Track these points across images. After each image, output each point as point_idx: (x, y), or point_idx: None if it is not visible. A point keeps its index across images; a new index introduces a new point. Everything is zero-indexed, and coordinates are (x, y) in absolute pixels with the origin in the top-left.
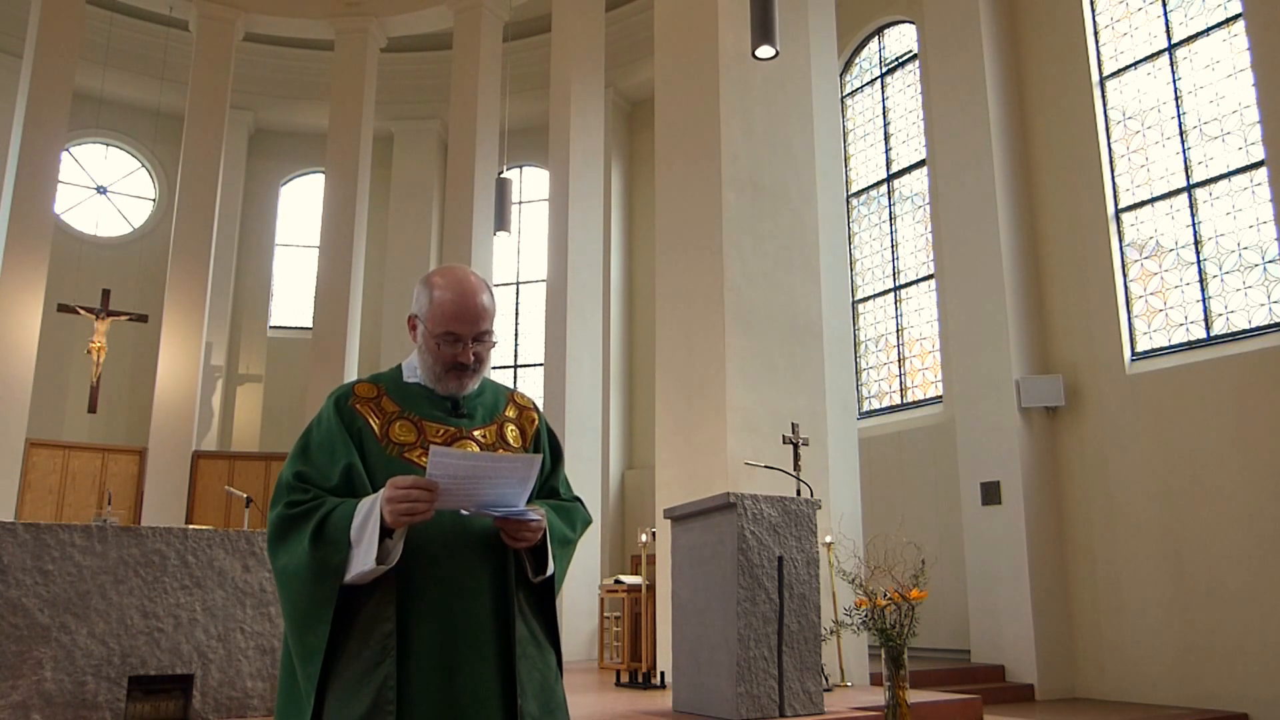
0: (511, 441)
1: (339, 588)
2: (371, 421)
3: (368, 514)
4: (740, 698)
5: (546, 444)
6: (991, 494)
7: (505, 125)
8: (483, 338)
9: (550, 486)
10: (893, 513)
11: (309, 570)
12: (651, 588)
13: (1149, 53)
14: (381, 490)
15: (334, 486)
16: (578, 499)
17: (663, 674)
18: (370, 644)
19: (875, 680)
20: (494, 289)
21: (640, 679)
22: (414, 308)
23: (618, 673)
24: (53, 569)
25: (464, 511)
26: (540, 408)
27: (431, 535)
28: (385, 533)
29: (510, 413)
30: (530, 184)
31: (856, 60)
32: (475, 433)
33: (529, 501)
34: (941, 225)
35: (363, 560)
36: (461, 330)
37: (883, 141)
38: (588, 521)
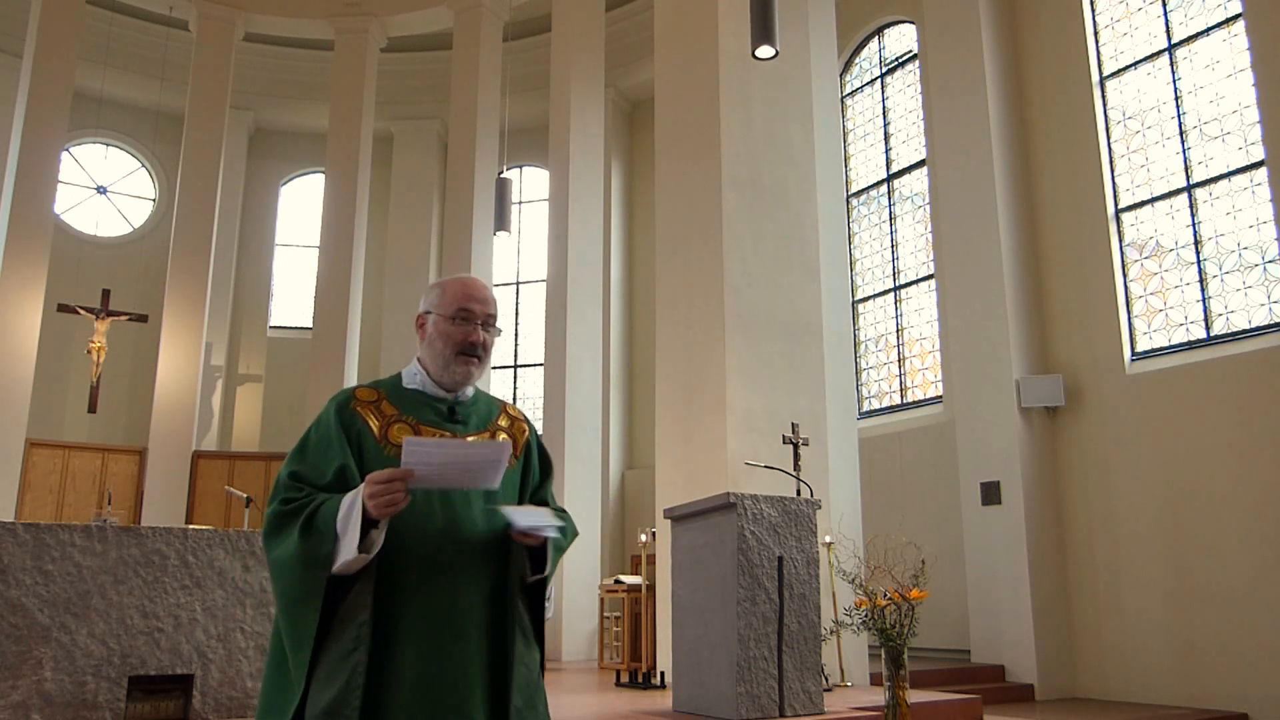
0: None
1: (326, 578)
2: (371, 423)
3: (350, 506)
4: (740, 698)
5: (536, 456)
6: (991, 494)
7: (505, 125)
8: (490, 324)
9: (540, 499)
10: (893, 513)
11: (298, 561)
12: (651, 588)
13: (1149, 53)
14: (362, 485)
15: (327, 485)
16: (563, 511)
17: (663, 674)
18: (347, 632)
19: (875, 680)
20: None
21: (640, 679)
22: (423, 306)
23: (618, 673)
24: (53, 569)
25: (495, 507)
26: (532, 421)
27: (426, 531)
28: (372, 524)
29: (503, 422)
30: (530, 184)
31: (856, 60)
32: (469, 438)
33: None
34: (941, 225)
35: (347, 550)
36: (474, 307)
37: (883, 141)
38: (575, 534)
